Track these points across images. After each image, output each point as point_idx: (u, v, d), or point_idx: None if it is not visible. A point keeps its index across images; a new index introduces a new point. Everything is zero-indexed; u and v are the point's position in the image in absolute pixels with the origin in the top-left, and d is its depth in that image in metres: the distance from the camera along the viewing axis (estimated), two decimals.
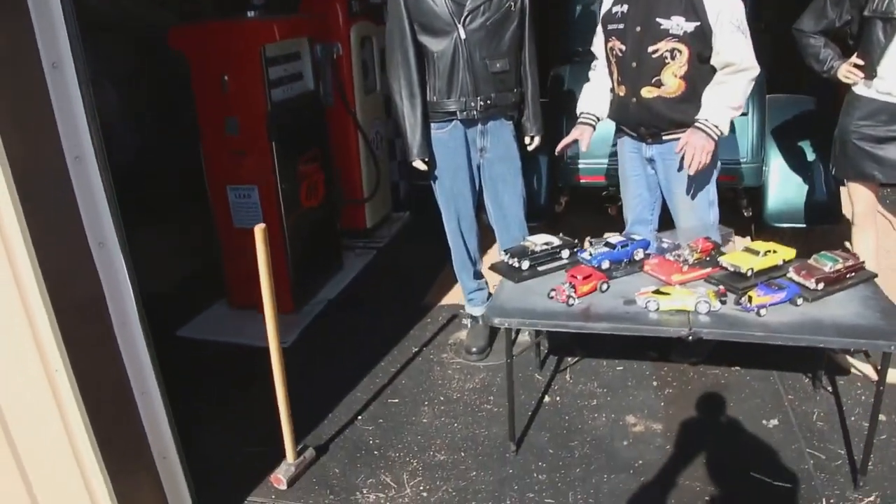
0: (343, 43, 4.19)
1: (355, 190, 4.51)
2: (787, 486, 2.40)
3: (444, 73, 2.84)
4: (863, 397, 2.83)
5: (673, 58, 2.56)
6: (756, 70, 2.54)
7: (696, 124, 2.61)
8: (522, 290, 2.61)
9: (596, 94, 2.92)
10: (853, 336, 2.20)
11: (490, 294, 3.36)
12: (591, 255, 2.68)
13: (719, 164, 2.83)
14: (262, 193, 3.52)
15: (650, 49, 2.59)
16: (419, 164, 2.95)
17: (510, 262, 2.73)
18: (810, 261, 2.52)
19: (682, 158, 2.65)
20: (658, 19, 2.55)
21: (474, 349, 3.26)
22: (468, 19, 2.76)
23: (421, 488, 2.51)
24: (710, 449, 2.59)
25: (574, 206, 4.42)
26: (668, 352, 3.13)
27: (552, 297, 2.50)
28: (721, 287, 2.43)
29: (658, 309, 2.38)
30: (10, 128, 1.63)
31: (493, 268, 2.82)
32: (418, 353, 3.37)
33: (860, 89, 2.73)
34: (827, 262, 2.48)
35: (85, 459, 1.96)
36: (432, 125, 2.93)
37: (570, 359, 3.22)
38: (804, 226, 3.57)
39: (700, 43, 2.54)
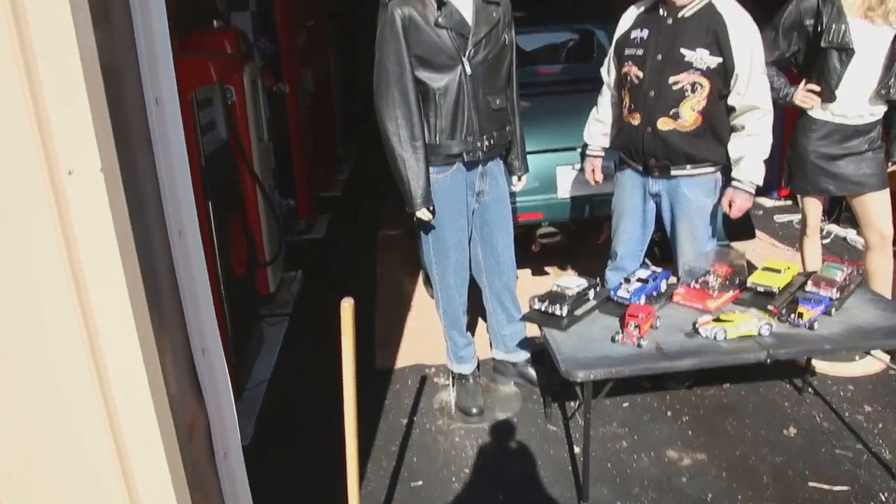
0: (236, 86, 3.68)
1: (258, 250, 3.95)
2: (845, 489, 2.50)
3: (447, 112, 2.59)
4: (840, 392, 3.07)
5: (693, 91, 2.59)
6: (772, 112, 2.67)
7: (738, 185, 2.70)
8: (577, 337, 2.44)
9: (601, 126, 2.88)
10: None
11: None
12: (628, 292, 2.60)
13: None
14: None
15: (671, 80, 2.59)
16: (425, 214, 2.65)
17: (546, 310, 2.55)
18: (820, 273, 2.70)
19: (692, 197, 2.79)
20: (682, 50, 2.56)
21: (475, 409, 2.98)
22: (472, 53, 2.56)
23: None
24: (760, 468, 2.62)
25: None
26: (660, 380, 3.15)
27: (617, 341, 2.37)
28: (773, 307, 2.49)
29: (726, 337, 2.37)
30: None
31: (527, 317, 2.62)
32: (411, 425, 3.00)
33: (816, 112, 3.00)
34: (836, 272, 2.67)
35: None
36: (431, 169, 2.66)
37: (571, 403, 3.08)
38: (726, 242, 3.85)
39: (720, 80, 2.59)
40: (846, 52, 2.84)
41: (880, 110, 3.00)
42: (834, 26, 2.86)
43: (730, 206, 2.76)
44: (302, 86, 5.69)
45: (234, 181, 3.34)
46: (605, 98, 2.96)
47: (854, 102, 2.95)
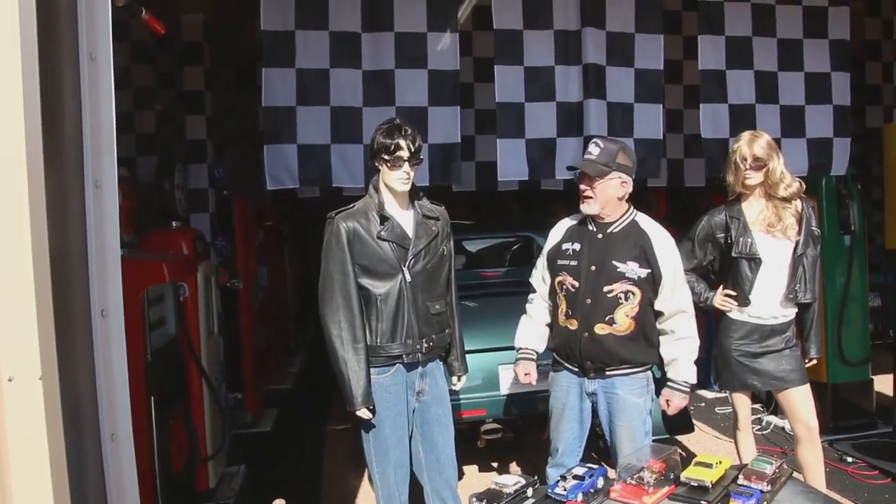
0: (190, 284, 3.82)
1: (199, 444, 3.88)
2: None
3: (388, 317, 2.74)
4: None
5: (626, 299, 2.81)
6: (694, 314, 2.93)
7: (673, 386, 2.88)
8: None
9: (535, 330, 3.05)
10: None
11: None
12: (565, 489, 2.63)
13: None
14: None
15: (605, 289, 2.81)
16: (365, 414, 2.71)
17: None
18: (750, 466, 2.78)
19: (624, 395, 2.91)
20: (615, 262, 2.81)
21: None
22: (412, 262, 2.77)
23: None
24: None
25: None
26: None
27: None
28: (706, 502, 2.54)
29: None
30: None
31: None
32: None
33: (734, 314, 3.26)
34: (766, 466, 2.74)
35: None
36: (372, 370, 2.76)
37: None
38: (667, 436, 3.94)
39: (650, 288, 2.82)
40: (755, 261, 3.16)
41: (792, 312, 3.27)
42: (741, 239, 3.19)
43: (667, 404, 2.91)
44: (256, 281, 5.88)
45: (180, 375, 3.39)
46: (536, 305, 3.14)
47: (767, 305, 3.22)
